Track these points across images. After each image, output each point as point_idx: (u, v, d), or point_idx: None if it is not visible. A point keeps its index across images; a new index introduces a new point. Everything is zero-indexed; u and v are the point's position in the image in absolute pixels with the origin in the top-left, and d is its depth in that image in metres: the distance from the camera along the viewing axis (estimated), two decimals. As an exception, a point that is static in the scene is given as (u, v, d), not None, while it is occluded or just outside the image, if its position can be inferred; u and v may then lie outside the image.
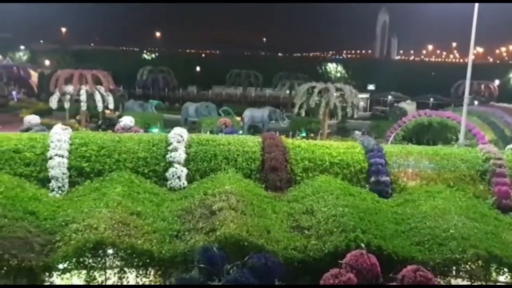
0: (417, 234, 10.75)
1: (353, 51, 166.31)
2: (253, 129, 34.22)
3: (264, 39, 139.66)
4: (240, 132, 25.89)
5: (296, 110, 32.12)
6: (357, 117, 34.18)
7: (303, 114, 31.96)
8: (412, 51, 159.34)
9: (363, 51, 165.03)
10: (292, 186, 13.43)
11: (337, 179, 13.62)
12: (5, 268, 8.64)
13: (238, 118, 35.48)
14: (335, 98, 30.88)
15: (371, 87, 64.91)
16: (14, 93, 47.42)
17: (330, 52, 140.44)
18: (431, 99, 53.31)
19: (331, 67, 78.46)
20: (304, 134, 30.76)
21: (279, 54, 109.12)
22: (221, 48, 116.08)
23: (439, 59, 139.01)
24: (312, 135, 30.51)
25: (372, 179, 13.89)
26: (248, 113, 35.70)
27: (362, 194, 12.90)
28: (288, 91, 50.83)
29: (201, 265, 7.96)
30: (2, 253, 8.68)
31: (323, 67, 77.97)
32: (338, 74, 75.00)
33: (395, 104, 51.32)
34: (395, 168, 14.38)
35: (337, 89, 31.72)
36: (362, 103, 49.67)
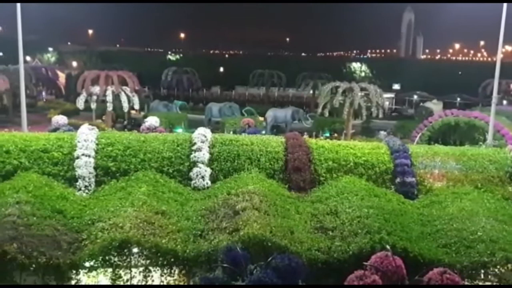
0: (443, 236, 10.56)
1: (377, 50, 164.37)
2: (276, 129, 34.15)
3: (288, 39, 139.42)
4: (263, 132, 25.89)
5: (319, 110, 31.92)
6: (382, 117, 33.75)
7: (326, 114, 31.76)
8: (438, 50, 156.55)
9: (388, 50, 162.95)
10: (315, 187, 13.36)
11: (362, 180, 13.48)
12: (34, 266, 8.84)
13: (261, 118, 35.45)
14: (360, 97, 30.56)
15: (396, 86, 64.06)
16: (43, 94, 48.60)
17: (354, 52, 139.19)
18: (458, 99, 52.22)
19: (356, 66, 77.76)
20: (327, 134, 30.57)
21: (303, 54, 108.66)
22: (245, 49, 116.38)
23: (466, 58, 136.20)
24: (336, 135, 30.29)
25: (398, 180, 13.71)
26: (271, 113, 35.64)
27: (387, 195, 12.74)
28: (311, 91, 50.57)
29: (225, 265, 7.99)
30: (31, 251, 8.89)
31: (347, 67, 77.32)
32: (363, 74, 74.27)
33: (421, 104, 50.47)
34: (421, 169, 14.16)
35: (362, 89, 31.40)
36: (387, 103, 49.05)
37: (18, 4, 24.63)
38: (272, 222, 10.11)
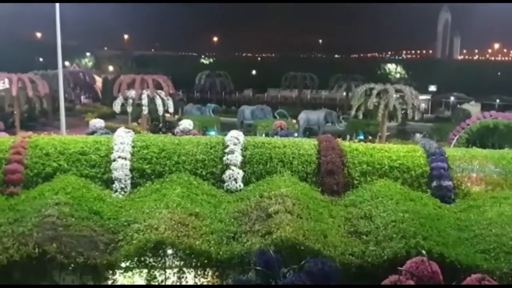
0: (482, 241, 10.27)
1: (413, 51, 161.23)
2: (309, 131, 33.98)
3: (320, 41, 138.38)
4: (296, 134, 25.75)
5: (353, 112, 31.58)
6: (418, 119, 33.10)
7: (360, 116, 31.39)
8: (476, 50, 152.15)
9: (424, 51, 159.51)
10: (349, 190, 13.22)
11: (397, 183, 13.27)
12: (72, 265, 9.10)
13: (294, 121, 35.36)
14: (395, 99, 30.07)
15: (432, 88, 62.65)
16: (81, 97, 49.99)
17: (389, 53, 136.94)
18: (497, 100, 50.55)
19: (390, 67, 76.46)
20: (361, 137, 30.18)
21: (336, 55, 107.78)
22: (277, 51, 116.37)
23: (506, 58, 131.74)
24: (370, 138, 29.87)
25: (434, 184, 13.41)
26: (303, 115, 35.50)
27: (423, 199, 12.48)
28: (345, 93, 50.08)
29: (258, 268, 7.99)
30: (70, 251, 9.15)
31: (381, 68, 76.15)
32: (398, 75, 72.94)
33: (458, 105, 49.17)
34: (458, 173, 13.81)
35: (397, 91, 30.90)
36: (423, 105, 48.01)
37: (57, 11, 25.47)
38: (305, 225, 10.07)
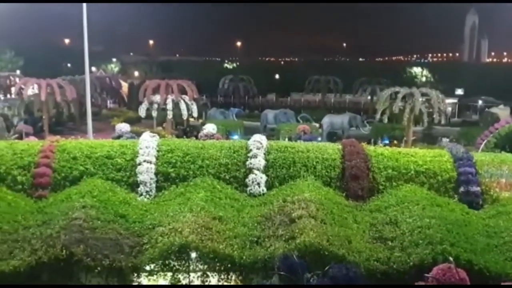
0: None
1: (439, 54, 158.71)
2: (333, 136, 33.73)
3: (344, 44, 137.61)
4: (319, 139, 25.61)
5: (378, 116, 31.22)
6: (444, 124, 32.48)
7: (385, 120, 31.00)
8: (505, 53, 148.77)
9: (450, 54, 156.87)
10: (374, 196, 13.06)
11: (423, 188, 13.05)
12: (98, 268, 9.23)
13: (317, 125, 35.15)
14: (421, 103, 29.60)
15: (459, 91, 61.48)
16: (107, 102, 50.86)
17: (415, 56, 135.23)
18: (527, 104, 49.26)
19: (416, 71, 75.35)
20: (387, 141, 29.76)
21: (360, 59, 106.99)
22: (300, 55, 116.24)
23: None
24: (395, 142, 29.43)
25: (462, 189, 13.14)
26: (327, 119, 35.25)
27: (450, 205, 12.23)
28: (369, 97, 49.57)
29: (282, 273, 7.96)
30: (96, 253, 9.29)
31: (407, 72, 75.15)
32: (424, 79, 71.79)
33: (486, 109, 48.08)
34: (487, 178, 13.49)
35: (423, 94, 30.41)
36: (449, 109, 47.14)
37: (85, 18, 26.02)
38: (329, 230, 9.99)
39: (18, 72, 54.71)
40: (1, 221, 10.55)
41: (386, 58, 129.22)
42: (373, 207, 12.33)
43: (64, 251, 9.16)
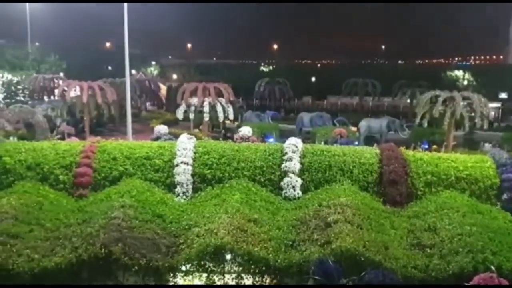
0: (559, 260, 9.52)
1: (482, 57, 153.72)
2: (370, 140, 33.19)
3: (383, 47, 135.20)
4: (356, 143, 25.26)
5: (417, 120, 30.51)
6: (487, 128, 31.40)
7: (425, 124, 30.27)
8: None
9: (494, 57, 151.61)
10: (412, 201, 12.80)
11: (464, 195, 12.67)
12: (135, 267, 9.40)
13: (354, 129, 34.69)
14: (462, 107, 28.74)
15: (503, 95, 59.35)
16: (146, 104, 51.90)
17: (456, 59, 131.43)
18: None
19: (457, 74, 73.28)
20: (426, 146, 29.04)
21: (399, 61, 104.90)
22: (337, 58, 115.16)
23: None
24: (435, 147, 28.69)
25: (505, 196, 12.71)
26: (364, 123, 34.72)
27: (492, 212, 11.81)
28: (408, 100, 48.53)
29: (316, 277, 7.90)
30: (134, 252, 9.46)
31: (448, 75, 73.18)
32: (465, 82, 69.80)
33: (532, 113, 46.23)
34: (532, 185, 12.93)
35: (464, 98, 29.51)
36: (492, 113, 45.56)
37: (126, 22, 26.68)
38: (365, 236, 9.83)
39: (61, 74, 56.61)
40: (44, 219, 10.93)
41: (427, 61, 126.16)
42: (411, 213, 12.07)
43: (103, 249, 9.36)
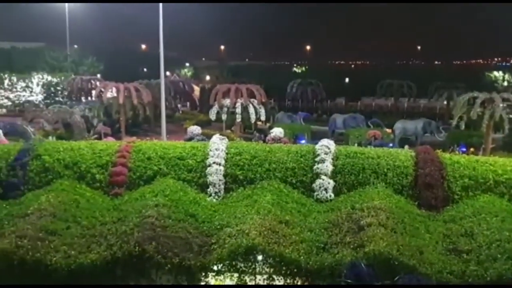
0: None
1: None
2: (405, 142, 32.55)
3: (419, 47, 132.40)
4: (391, 145, 24.83)
5: (454, 122, 29.78)
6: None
7: (462, 126, 29.51)
8: None
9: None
10: (448, 205, 12.44)
11: (503, 200, 12.23)
12: (168, 266, 9.53)
13: (389, 130, 34.13)
14: (501, 109, 27.84)
15: (546, 97, 57.15)
16: (179, 105, 52.60)
17: (495, 59, 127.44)
18: None
19: (497, 75, 71.11)
20: (463, 149, 28.27)
21: (436, 62, 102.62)
22: (372, 58, 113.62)
23: None
24: (473, 150, 27.89)
25: (547, 201, 12.16)
26: (399, 125, 34.11)
27: (533, 218, 11.35)
28: (445, 102, 47.40)
29: (349, 281, 7.81)
30: (166, 251, 9.58)
31: (486, 76, 71.07)
32: (505, 83, 67.61)
33: None
34: None
35: (504, 100, 28.59)
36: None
37: (161, 24, 27.17)
38: (399, 240, 9.64)
39: (98, 76, 58.12)
40: (80, 216, 11.21)
41: (464, 62, 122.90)
42: (447, 217, 11.75)
43: (137, 247, 9.51)
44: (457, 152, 20.57)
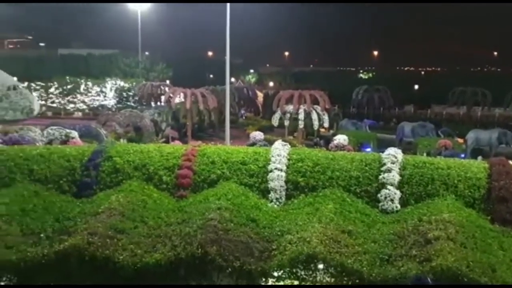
0: None
1: None
2: (478, 153, 30.85)
3: (496, 53, 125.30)
4: (462, 155, 23.67)
5: (533, 133, 27.88)
6: None
7: (541, 137, 27.57)
8: None
9: None
10: (525, 221, 11.62)
11: None
12: (229, 269, 9.61)
13: (460, 140, 32.56)
14: None
15: None
16: (242, 111, 53.29)
17: None
18: None
19: None
20: (542, 161, 26.36)
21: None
22: (443, 65, 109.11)
23: None
24: (553, 162, 25.97)
25: None
26: (472, 134, 32.40)
27: None
28: (523, 111, 44.62)
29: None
30: (228, 254, 9.68)
31: None
32: None
33: None
34: None
35: None
36: None
37: (228, 31, 27.69)
38: (469, 255, 9.13)
39: (167, 82, 60.21)
40: (147, 217, 11.62)
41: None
42: (524, 234, 10.99)
43: (199, 249, 9.68)
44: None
